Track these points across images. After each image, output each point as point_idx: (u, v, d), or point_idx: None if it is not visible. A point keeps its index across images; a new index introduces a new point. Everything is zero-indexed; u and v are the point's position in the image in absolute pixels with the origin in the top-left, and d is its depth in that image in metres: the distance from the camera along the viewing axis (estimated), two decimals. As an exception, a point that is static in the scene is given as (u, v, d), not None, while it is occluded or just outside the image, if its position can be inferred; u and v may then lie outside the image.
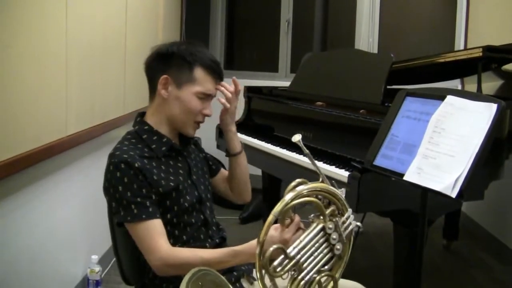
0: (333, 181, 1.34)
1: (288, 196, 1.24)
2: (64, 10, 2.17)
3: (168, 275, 1.43)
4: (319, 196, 1.31)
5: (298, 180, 1.31)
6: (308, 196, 1.27)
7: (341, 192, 1.33)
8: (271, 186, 3.26)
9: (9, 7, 1.77)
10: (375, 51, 4.60)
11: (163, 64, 1.49)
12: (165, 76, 1.47)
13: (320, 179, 1.33)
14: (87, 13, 2.44)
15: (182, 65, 1.48)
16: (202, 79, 1.49)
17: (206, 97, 1.51)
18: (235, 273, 1.54)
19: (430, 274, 2.97)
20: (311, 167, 2.30)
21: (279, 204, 1.23)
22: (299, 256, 1.25)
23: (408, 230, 2.01)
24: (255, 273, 1.23)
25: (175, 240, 1.47)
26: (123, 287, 1.70)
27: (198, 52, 1.50)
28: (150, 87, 1.53)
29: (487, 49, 2.25)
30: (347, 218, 1.33)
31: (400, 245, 2.07)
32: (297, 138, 1.35)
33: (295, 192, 1.25)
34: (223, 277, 1.16)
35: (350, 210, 1.35)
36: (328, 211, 1.31)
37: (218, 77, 1.53)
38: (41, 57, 2.00)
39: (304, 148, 1.34)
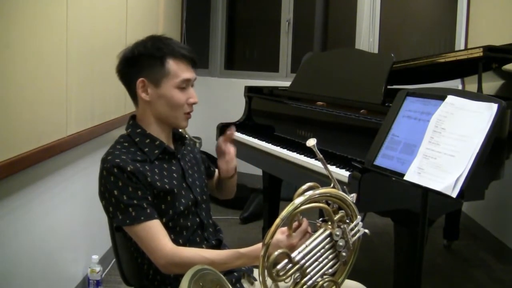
0: (344, 187, 1.33)
1: (298, 200, 1.23)
2: (64, 11, 2.17)
3: (173, 273, 1.44)
4: (329, 201, 1.30)
5: (309, 184, 1.28)
6: (318, 201, 1.26)
7: (351, 198, 1.32)
8: (271, 186, 3.26)
9: (9, 6, 1.77)
10: (376, 51, 4.60)
11: (134, 68, 1.46)
12: (141, 79, 1.45)
13: (332, 184, 1.32)
14: (88, 14, 2.44)
15: (152, 63, 1.44)
16: (176, 70, 1.45)
17: (187, 85, 1.48)
18: (235, 273, 1.54)
19: (430, 274, 2.97)
20: (311, 167, 2.32)
21: (288, 207, 1.22)
22: (303, 261, 1.24)
23: (408, 230, 2.01)
24: (256, 274, 1.23)
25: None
26: (123, 287, 1.70)
27: (165, 44, 1.46)
28: (130, 94, 1.51)
29: (488, 49, 2.25)
30: (355, 225, 1.32)
31: (401, 245, 2.07)
32: (311, 142, 1.33)
33: (305, 197, 1.23)
34: (222, 276, 1.15)
35: (359, 217, 1.33)
36: (337, 217, 1.30)
37: (191, 61, 1.49)
38: (41, 57, 2.00)
39: (318, 152, 1.33)
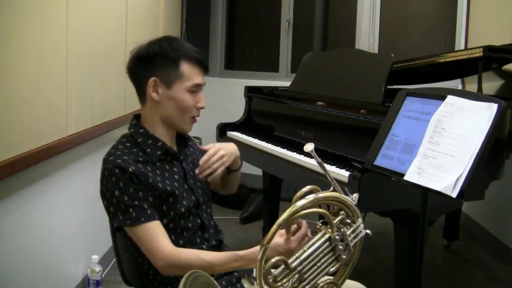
0: (345, 188, 1.31)
1: (298, 203, 1.20)
2: (64, 11, 2.17)
3: (172, 274, 1.43)
4: (329, 204, 1.28)
5: (309, 186, 1.26)
6: (318, 205, 1.24)
7: (354, 198, 1.30)
8: (271, 186, 3.26)
9: (9, 6, 1.77)
10: (376, 51, 4.60)
11: (147, 67, 1.45)
12: (153, 78, 1.44)
13: (332, 188, 1.30)
14: (88, 14, 2.44)
15: (167, 63, 1.44)
16: (190, 73, 1.45)
17: (197, 89, 1.48)
18: (235, 273, 1.54)
19: (430, 274, 2.97)
20: (311, 167, 2.32)
21: (287, 211, 1.20)
22: (300, 267, 1.22)
23: (408, 230, 2.01)
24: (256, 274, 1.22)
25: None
26: (123, 287, 1.70)
27: (180, 46, 1.46)
28: (138, 92, 1.50)
29: (488, 49, 2.25)
30: (357, 227, 1.30)
31: (401, 245, 2.07)
32: (309, 147, 1.29)
33: (306, 200, 1.21)
34: (212, 279, 1.15)
35: (360, 219, 1.31)
36: (337, 219, 1.28)
37: (203, 67, 1.49)
38: (41, 57, 2.00)
39: (317, 157, 1.31)
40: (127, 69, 1.51)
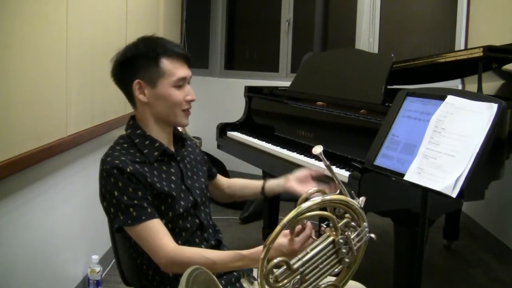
0: (352, 192, 1.30)
1: (304, 205, 1.20)
2: (64, 10, 2.17)
3: (174, 272, 1.43)
4: (335, 207, 1.28)
5: (315, 188, 1.27)
6: (324, 208, 1.24)
7: (360, 202, 1.29)
8: (271, 186, 3.25)
9: (9, 6, 1.77)
10: (376, 51, 4.60)
11: (129, 70, 1.46)
12: (137, 80, 1.44)
13: (338, 190, 1.29)
14: (88, 13, 2.44)
15: (147, 63, 1.44)
16: (171, 68, 1.45)
17: (183, 83, 1.48)
18: (235, 273, 1.54)
19: (430, 274, 2.97)
20: (311, 167, 2.32)
21: (292, 212, 1.19)
22: (302, 268, 1.21)
23: (408, 230, 2.01)
24: (256, 273, 1.22)
25: None
26: (123, 287, 1.70)
27: (158, 44, 1.46)
28: (127, 97, 1.51)
29: (488, 49, 2.25)
30: (361, 231, 1.29)
31: (401, 245, 2.07)
32: (318, 150, 1.29)
33: (312, 203, 1.20)
34: (214, 277, 1.15)
35: (365, 223, 1.30)
36: (342, 223, 1.27)
37: (185, 59, 1.49)
38: (41, 57, 2.00)
39: (325, 160, 1.31)
40: (112, 77, 1.51)
